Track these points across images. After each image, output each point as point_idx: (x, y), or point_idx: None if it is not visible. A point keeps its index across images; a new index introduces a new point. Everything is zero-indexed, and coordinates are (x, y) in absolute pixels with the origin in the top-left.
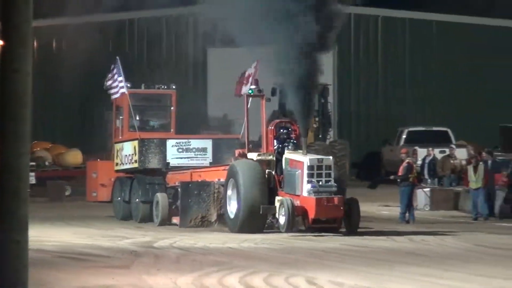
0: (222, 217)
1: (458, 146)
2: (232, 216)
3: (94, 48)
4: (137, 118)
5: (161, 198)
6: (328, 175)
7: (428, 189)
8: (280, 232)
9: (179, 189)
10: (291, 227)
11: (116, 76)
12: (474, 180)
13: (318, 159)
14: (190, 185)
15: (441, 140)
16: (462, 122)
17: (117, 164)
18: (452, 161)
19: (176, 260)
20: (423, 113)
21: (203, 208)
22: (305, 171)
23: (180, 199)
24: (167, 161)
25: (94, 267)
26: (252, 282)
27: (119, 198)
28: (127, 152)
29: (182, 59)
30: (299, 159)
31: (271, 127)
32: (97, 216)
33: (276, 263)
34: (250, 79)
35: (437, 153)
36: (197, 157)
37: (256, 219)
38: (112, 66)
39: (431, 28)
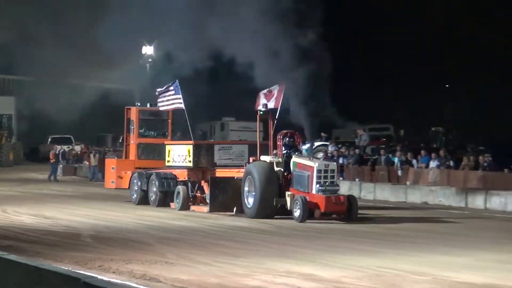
0: (240, 205)
1: (76, 144)
2: (249, 205)
3: None
4: (143, 128)
5: (181, 189)
6: (332, 177)
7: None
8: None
9: (208, 182)
10: (304, 218)
11: (173, 93)
12: (94, 160)
13: (325, 164)
14: (217, 179)
15: (67, 141)
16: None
17: (168, 161)
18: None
19: None
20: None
21: (226, 198)
22: (315, 174)
23: (209, 190)
24: (215, 161)
25: None
26: None
27: (136, 188)
28: (180, 153)
29: None
30: (309, 164)
31: (279, 137)
32: None
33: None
34: (273, 98)
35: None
36: (237, 159)
37: (269, 209)
38: (172, 84)
39: None
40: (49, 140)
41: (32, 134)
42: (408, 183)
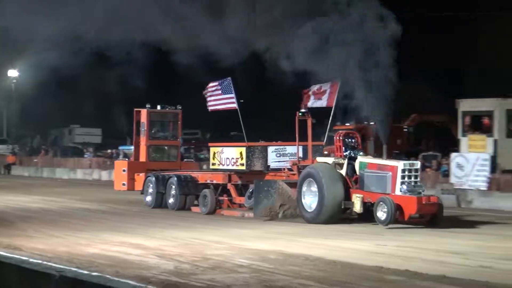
0: (284, 208)
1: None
2: (310, 210)
3: None
4: (153, 129)
5: (209, 193)
6: (416, 176)
7: None
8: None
9: (234, 185)
10: (392, 221)
11: (224, 91)
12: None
13: (409, 163)
14: (261, 182)
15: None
16: None
17: (213, 164)
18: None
19: None
20: None
21: (270, 201)
22: (399, 174)
23: (254, 194)
24: (268, 164)
25: None
26: None
27: (151, 190)
28: (229, 155)
29: None
30: (389, 164)
31: (338, 137)
32: None
33: None
34: (324, 96)
35: None
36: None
37: (336, 212)
38: (222, 82)
39: None
40: None
41: None
42: None
